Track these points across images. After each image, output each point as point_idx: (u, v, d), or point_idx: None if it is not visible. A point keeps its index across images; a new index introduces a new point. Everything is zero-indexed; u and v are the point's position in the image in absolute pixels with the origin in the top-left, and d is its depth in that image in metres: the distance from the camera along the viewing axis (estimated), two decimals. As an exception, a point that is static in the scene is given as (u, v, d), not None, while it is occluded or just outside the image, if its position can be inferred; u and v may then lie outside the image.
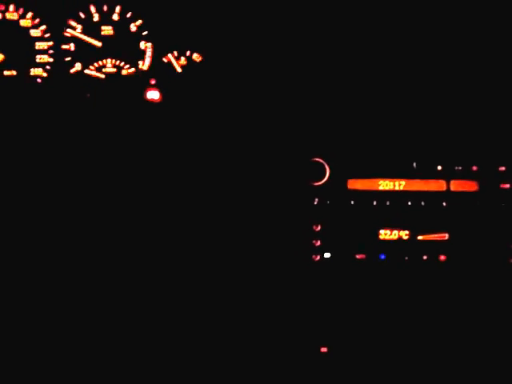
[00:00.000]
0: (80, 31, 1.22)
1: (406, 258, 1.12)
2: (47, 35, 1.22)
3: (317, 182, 1.13)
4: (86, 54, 1.23)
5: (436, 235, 1.12)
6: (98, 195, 1.15)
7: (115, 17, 1.23)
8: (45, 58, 1.22)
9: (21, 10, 1.21)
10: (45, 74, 1.23)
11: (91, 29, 1.23)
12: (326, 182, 1.12)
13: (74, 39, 1.23)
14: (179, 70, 1.23)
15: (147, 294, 1.13)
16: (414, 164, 1.12)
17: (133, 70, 1.23)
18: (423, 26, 1.16)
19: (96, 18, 1.23)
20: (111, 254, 1.13)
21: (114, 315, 1.13)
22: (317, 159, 1.13)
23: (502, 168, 1.12)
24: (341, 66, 1.18)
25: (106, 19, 1.24)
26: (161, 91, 1.21)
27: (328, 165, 1.13)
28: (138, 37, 1.23)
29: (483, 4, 1.16)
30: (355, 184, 1.13)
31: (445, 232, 1.12)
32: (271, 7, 1.19)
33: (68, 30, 1.22)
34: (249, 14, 1.20)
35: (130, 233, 1.13)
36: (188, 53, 1.23)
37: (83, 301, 1.13)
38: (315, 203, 1.12)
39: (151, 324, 1.13)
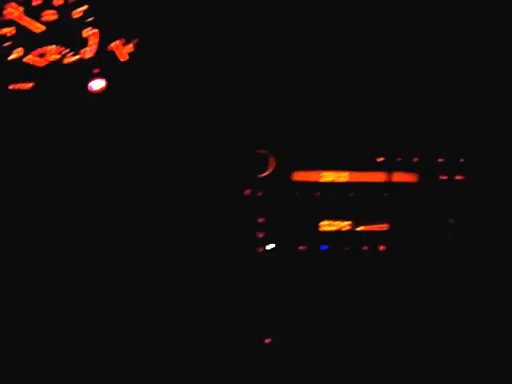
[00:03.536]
0: (20, 15, 1.18)
1: (347, 248, 1.15)
2: (-16, 20, 1.18)
3: (261, 174, 1.14)
4: (26, 41, 1.19)
5: (376, 226, 1.15)
6: (39, 190, 1.14)
7: (58, 1, 1.19)
8: (-18, 44, 1.18)
9: (-45, -7, 1.16)
10: (-18, 61, 1.19)
11: (32, 13, 1.19)
12: (269, 173, 1.13)
13: (13, 24, 1.18)
14: (125, 57, 1.21)
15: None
16: (357, 156, 1.14)
17: (76, 57, 1.20)
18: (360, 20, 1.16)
19: (37, 1, 1.19)
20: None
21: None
22: (261, 151, 1.13)
23: (441, 160, 1.15)
24: (282, 58, 1.17)
25: (48, 3, 1.19)
26: (106, 80, 1.19)
27: (272, 157, 1.13)
28: (82, 23, 1.20)
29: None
30: (299, 176, 1.14)
31: (385, 222, 1.15)
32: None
33: (7, 13, 1.18)
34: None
35: (66, 228, 1.13)
36: (135, 40, 1.20)
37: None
38: (259, 195, 1.14)
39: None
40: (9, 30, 1.18)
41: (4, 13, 1.17)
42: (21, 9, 1.17)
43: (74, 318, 1.13)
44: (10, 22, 1.17)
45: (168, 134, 1.16)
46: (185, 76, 1.18)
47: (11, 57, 1.19)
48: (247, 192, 1.14)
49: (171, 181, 1.14)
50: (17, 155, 1.13)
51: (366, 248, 1.15)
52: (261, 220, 1.14)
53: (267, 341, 1.15)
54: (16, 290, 1.13)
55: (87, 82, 1.19)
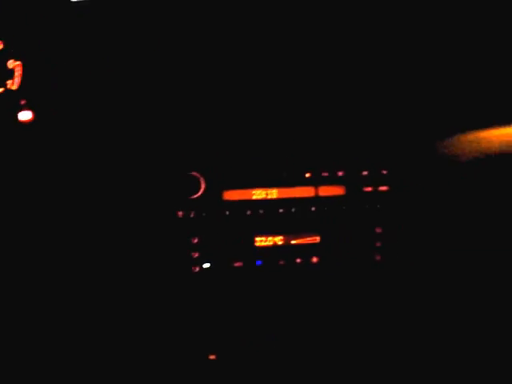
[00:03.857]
0: None
1: (281, 262, 1.19)
2: None
3: (192, 195, 1.16)
4: None
5: (308, 239, 1.19)
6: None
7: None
8: None
9: None
10: None
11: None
12: (201, 194, 1.16)
13: None
14: (51, 87, 1.21)
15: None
16: (284, 173, 1.18)
17: (1, 89, 1.20)
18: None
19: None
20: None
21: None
22: (192, 173, 1.16)
23: (365, 172, 1.20)
24: (208, 82, 1.22)
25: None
26: (33, 111, 1.20)
27: (203, 178, 1.16)
28: (4, 55, 1.20)
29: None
30: (230, 195, 1.18)
31: (316, 235, 1.20)
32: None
33: None
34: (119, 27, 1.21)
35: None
36: (61, 70, 1.21)
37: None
38: (191, 216, 1.16)
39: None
40: None
41: None
42: None
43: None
44: None
45: (99, 159, 1.17)
46: (112, 100, 1.20)
47: None
48: (179, 214, 1.16)
49: (103, 205, 1.15)
50: None
51: (299, 260, 1.19)
52: (195, 240, 1.16)
53: (211, 357, 1.17)
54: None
55: (15, 113, 1.19)
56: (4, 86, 1.20)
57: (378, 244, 1.21)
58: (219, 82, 1.21)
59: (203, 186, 1.16)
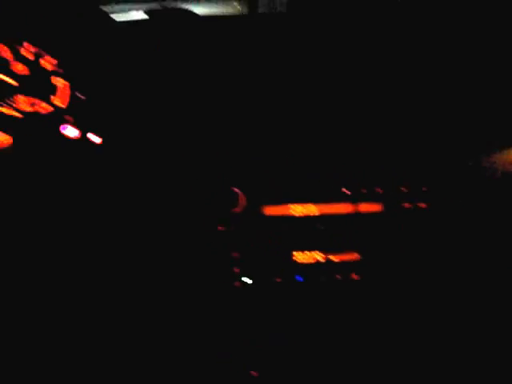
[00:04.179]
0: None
1: (321, 278, 1.18)
2: (-43, 74, 1.21)
3: (233, 210, 1.17)
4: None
5: (348, 255, 1.19)
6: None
7: (29, 55, 1.24)
8: (-45, 98, 1.21)
9: None
10: (-44, 115, 1.21)
11: (4, 66, 1.23)
12: (241, 210, 1.17)
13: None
14: (99, 107, 1.26)
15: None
16: (323, 189, 1.19)
17: (49, 107, 1.24)
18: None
19: (9, 55, 1.23)
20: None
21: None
22: (232, 188, 1.18)
23: (404, 189, 1.20)
24: (247, 101, 1.24)
25: (19, 57, 1.24)
26: (79, 129, 1.23)
27: (243, 193, 1.18)
28: (53, 75, 1.25)
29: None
30: (270, 210, 1.19)
31: (356, 252, 1.19)
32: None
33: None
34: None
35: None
36: (108, 90, 1.26)
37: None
38: (232, 231, 1.17)
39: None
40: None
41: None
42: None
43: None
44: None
45: (141, 175, 1.19)
46: (157, 119, 1.23)
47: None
48: (220, 228, 1.17)
49: (146, 218, 1.17)
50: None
51: (339, 277, 1.18)
52: (236, 255, 1.17)
53: (253, 373, 1.16)
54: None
55: (62, 131, 1.22)
56: (52, 104, 1.24)
57: (418, 262, 1.20)
58: (261, 99, 1.24)
59: (243, 201, 1.17)
